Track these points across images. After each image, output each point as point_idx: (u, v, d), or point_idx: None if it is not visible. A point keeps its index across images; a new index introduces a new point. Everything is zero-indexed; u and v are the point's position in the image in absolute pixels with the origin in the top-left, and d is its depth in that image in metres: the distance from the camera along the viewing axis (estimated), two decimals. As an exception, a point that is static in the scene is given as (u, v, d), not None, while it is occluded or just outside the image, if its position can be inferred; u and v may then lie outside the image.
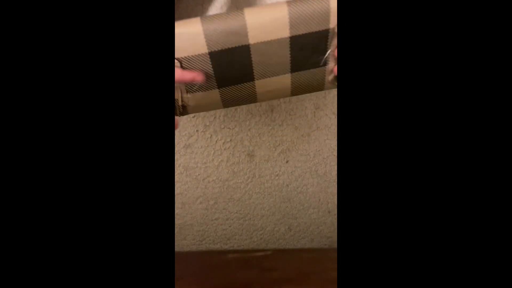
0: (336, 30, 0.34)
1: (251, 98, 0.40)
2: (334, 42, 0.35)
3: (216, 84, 0.37)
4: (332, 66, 0.38)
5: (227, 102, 0.41)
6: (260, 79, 0.38)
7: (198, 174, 0.66)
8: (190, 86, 0.38)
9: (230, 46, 0.34)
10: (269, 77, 0.37)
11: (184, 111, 0.41)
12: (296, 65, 0.37)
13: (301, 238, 0.75)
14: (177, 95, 0.39)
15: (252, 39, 0.34)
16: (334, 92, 0.65)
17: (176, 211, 0.68)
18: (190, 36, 0.34)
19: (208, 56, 0.35)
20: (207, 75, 0.36)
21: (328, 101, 0.65)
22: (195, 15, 0.41)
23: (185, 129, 0.62)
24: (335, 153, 0.69)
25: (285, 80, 0.38)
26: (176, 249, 0.69)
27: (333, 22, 0.34)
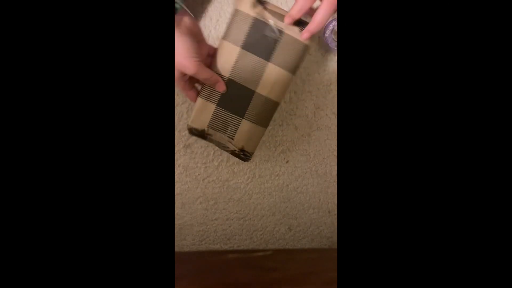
0: (254, 2, 0.43)
1: (267, 102, 0.47)
2: (266, 14, 0.42)
3: (238, 116, 0.47)
4: (287, 24, 0.43)
5: (260, 121, 0.48)
6: (257, 86, 0.46)
7: (198, 174, 0.66)
8: (229, 133, 0.48)
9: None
10: (261, 77, 0.45)
11: (245, 153, 0.50)
12: (265, 53, 0.44)
13: (301, 238, 0.75)
14: (231, 146, 0.49)
15: (226, 74, 0.45)
16: (334, 92, 0.65)
17: (176, 211, 0.68)
18: (201, 107, 0.47)
19: (216, 107, 0.47)
20: (227, 118, 0.47)
21: (328, 101, 0.65)
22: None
23: (185, 129, 0.62)
24: (335, 153, 0.69)
25: (272, 68, 0.45)
26: (176, 249, 0.69)
27: (245, 8, 0.43)
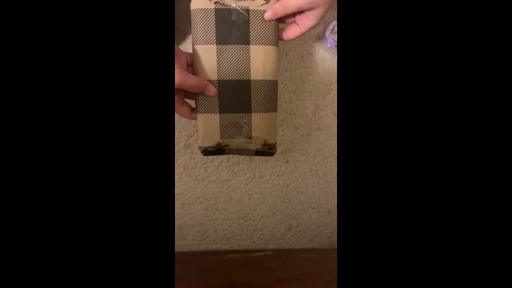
0: None
1: (267, 85, 0.45)
2: (223, 0, 0.42)
3: (246, 113, 0.45)
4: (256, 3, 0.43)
5: (269, 107, 0.46)
6: (250, 74, 0.44)
7: (198, 174, 0.66)
8: (245, 135, 0.46)
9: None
10: (250, 63, 0.43)
11: (269, 146, 0.47)
12: (242, 37, 0.43)
13: (301, 238, 0.75)
14: (253, 146, 0.46)
15: (214, 77, 0.43)
16: (334, 92, 0.65)
17: (176, 211, 0.68)
18: (205, 123, 0.45)
19: (220, 114, 0.45)
20: (237, 120, 0.45)
21: (328, 101, 0.65)
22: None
23: (185, 129, 0.62)
24: (335, 153, 0.69)
25: (256, 49, 0.43)
26: (176, 249, 0.69)
27: (201, 3, 0.41)
